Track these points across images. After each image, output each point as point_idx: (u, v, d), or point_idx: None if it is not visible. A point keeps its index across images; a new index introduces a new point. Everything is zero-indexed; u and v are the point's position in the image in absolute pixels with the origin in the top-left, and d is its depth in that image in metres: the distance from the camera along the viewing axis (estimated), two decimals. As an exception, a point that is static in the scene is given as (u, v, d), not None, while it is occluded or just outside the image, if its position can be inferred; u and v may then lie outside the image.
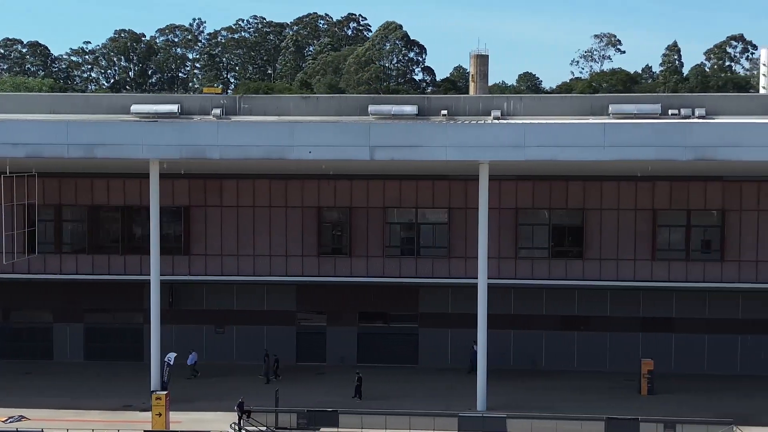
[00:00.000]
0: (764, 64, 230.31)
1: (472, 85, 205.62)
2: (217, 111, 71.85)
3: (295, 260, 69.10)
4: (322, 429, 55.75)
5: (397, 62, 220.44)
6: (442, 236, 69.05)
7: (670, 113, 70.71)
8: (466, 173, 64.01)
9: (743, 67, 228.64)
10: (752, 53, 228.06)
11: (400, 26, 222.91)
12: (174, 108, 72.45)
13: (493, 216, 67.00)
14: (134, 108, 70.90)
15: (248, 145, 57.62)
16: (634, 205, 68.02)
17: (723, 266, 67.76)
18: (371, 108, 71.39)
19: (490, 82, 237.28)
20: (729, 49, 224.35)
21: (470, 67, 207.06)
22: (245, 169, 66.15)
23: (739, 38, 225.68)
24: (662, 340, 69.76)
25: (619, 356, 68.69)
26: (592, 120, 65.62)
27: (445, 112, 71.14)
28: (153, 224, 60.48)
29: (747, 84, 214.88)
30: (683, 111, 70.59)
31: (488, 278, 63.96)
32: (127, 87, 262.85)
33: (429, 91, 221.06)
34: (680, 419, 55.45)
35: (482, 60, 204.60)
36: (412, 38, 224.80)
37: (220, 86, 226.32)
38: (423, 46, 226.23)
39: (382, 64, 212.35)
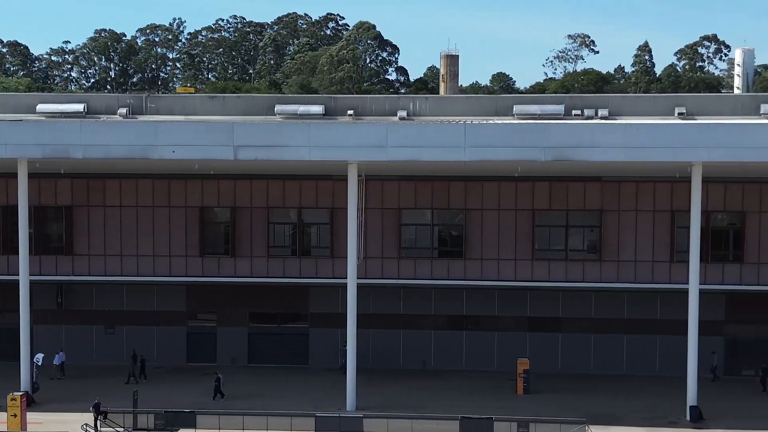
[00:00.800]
0: (738, 65, 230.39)
1: (442, 86, 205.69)
2: (123, 111, 72.32)
3: (178, 260, 69.25)
4: (180, 430, 55.77)
5: (370, 62, 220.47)
6: (325, 236, 69.01)
7: (573, 114, 71.07)
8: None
9: (716, 68, 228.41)
10: (725, 54, 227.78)
11: (374, 26, 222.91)
12: (80, 107, 72.99)
13: (375, 216, 67.39)
14: (40, 107, 71.43)
15: (111, 145, 57.73)
16: (514, 206, 67.91)
17: (602, 266, 67.71)
18: (278, 108, 71.92)
19: (465, 83, 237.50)
20: (702, 50, 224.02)
21: (441, 68, 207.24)
22: (128, 169, 66.19)
23: (713, 38, 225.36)
24: (549, 339, 69.78)
25: (507, 356, 68.56)
26: (497, 120, 66.21)
27: (351, 112, 71.54)
28: (21, 224, 60.67)
29: (719, 84, 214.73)
30: (587, 112, 71.09)
31: (372, 278, 64.58)
32: (108, 87, 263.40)
33: (402, 91, 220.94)
34: (533, 419, 55.41)
35: (452, 60, 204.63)
36: (385, 38, 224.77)
37: (195, 86, 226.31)
38: (396, 46, 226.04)
39: (359, 64, 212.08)
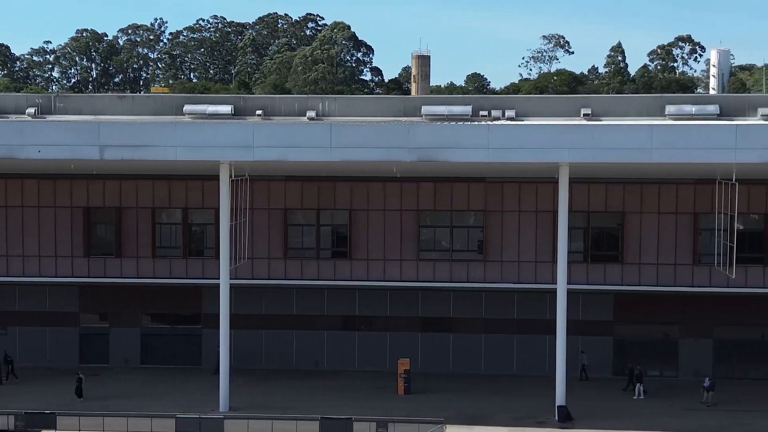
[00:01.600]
0: (714, 65, 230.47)
1: (413, 86, 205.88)
2: (32, 110, 72.11)
3: (64, 261, 69.18)
4: (42, 431, 55.64)
5: (345, 63, 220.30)
6: (212, 237, 68.92)
7: (480, 114, 70.80)
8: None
9: (691, 68, 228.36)
10: (700, 54, 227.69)
11: (348, 26, 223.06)
12: (-14, 106, 72.75)
13: (263, 217, 67.27)
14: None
15: (-22, 145, 57.57)
16: (399, 206, 67.70)
17: (486, 266, 67.53)
18: (186, 108, 71.74)
19: (441, 83, 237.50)
20: (677, 51, 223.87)
21: (412, 68, 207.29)
22: (12, 169, 66.03)
23: (687, 39, 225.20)
24: (440, 339, 69.51)
25: (398, 356, 68.10)
26: (403, 120, 65.87)
27: (260, 112, 71.35)
28: None
29: (692, 84, 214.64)
30: (494, 112, 70.67)
31: (260, 279, 64.83)
32: (90, 87, 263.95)
33: (377, 91, 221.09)
34: (392, 419, 55.22)
35: (424, 61, 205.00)
36: (360, 39, 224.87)
37: (169, 87, 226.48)
38: (371, 46, 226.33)
39: (333, 63, 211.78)
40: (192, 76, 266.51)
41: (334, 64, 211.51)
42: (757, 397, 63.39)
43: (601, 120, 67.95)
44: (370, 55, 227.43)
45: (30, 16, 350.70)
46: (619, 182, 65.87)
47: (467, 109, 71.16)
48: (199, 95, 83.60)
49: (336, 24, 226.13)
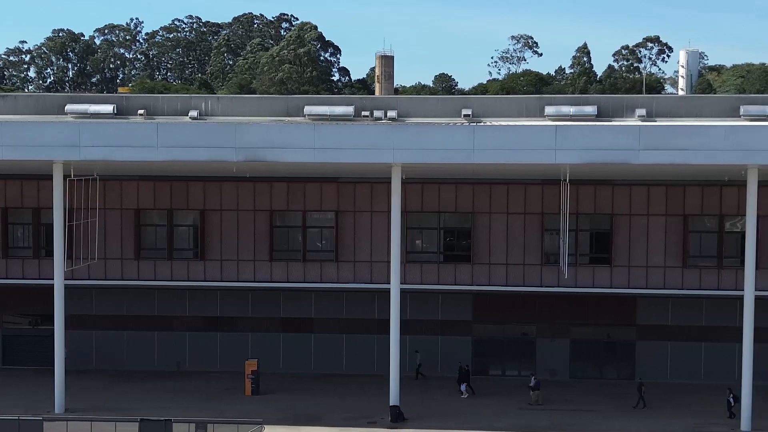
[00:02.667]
0: (682, 66, 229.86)
1: (377, 86, 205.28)
2: None
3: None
4: None
5: (314, 62, 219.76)
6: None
7: (362, 115, 70.44)
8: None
9: (659, 69, 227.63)
10: (668, 55, 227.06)
11: (316, 27, 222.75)
12: None
13: (114, 217, 66.87)
14: None
15: None
16: (252, 206, 67.27)
17: (338, 267, 67.15)
18: (68, 107, 71.88)
19: (410, 83, 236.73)
20: (644, 51, 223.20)
21: (376, 68, 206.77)
22: None
23: (655, 40, 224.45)
24: (301, 340, 69.25)
25: (260, 356, 67.52)
26: (286, 120, 65.75)
27: (142, 111, 71.06)
28: None
29: (658, 85, 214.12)
30: (376, 113, 70.29)
31: (112, 280, 65.87)
32: (66, 87, 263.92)
33: (345, 91, 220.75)
34: (211, 420, 54.66)
35: (387, 61, 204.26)
36: (327, 39, 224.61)
37: (131, 87, 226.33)
38: (338, 47, 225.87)
39: (300, 62, 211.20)
40: (168, 77, 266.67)
41: (300, 64, 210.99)
42: (598, 397, 63.26)
43: (482, 120, 67.53)
44: (338, 56, 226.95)
45: (5, 16, 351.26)
46: (469, 183, 65.24)
47: (349, 110, 70.89)
48: (81, 95, 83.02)
49: (304, 24, 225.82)
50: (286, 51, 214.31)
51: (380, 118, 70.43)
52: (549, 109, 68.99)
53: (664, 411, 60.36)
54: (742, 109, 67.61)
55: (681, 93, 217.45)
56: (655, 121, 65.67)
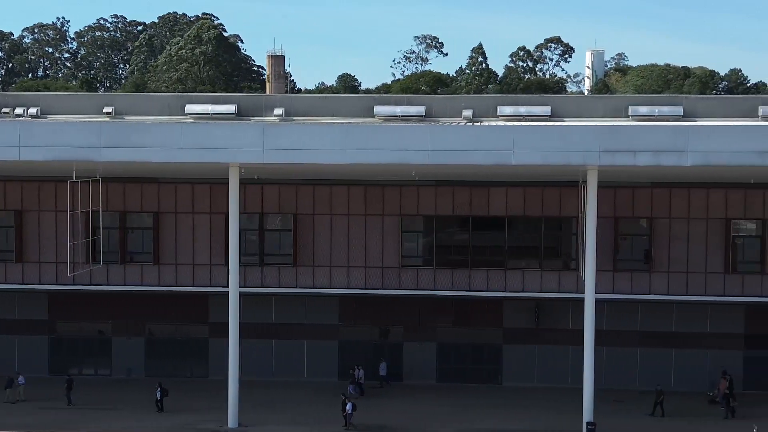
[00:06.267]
0: (588, 66, 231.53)
1: (268, 86, 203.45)
2: None
3: None
4: None
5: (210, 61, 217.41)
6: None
7: (2, 112, 74.13)
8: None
9: (562, 69, 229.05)
10: (570, 56, 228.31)
11: (216, 26, 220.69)
12: None
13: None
14: None
15: None
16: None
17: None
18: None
19: (311, 84, 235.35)
20: (547, 52, 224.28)
21: (266, 68, 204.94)
22: None
23: (557, 41, 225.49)
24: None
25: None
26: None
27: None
28: None
29: (558, 86, 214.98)
30: (18, 110, 73.46)
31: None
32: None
33: (245, 91, 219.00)
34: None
35: (278, 60, 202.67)
36: (227, 37, 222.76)
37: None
38: (238, 46, 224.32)
39: (202, 60, 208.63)
40: (98, 76, 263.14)
41: (199, 62, 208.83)
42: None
43: (124, 118, 69.84)
44: (238, 54, 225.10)
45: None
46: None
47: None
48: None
49: (204, 23, 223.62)
50: (183, 51, 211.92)
51: (21, 115, 73.03)
52: (188, 108, 73.51)
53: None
54: (376, 109, 71.84)
55: (586, 93, 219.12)
56: (293, 120, 68.76)
